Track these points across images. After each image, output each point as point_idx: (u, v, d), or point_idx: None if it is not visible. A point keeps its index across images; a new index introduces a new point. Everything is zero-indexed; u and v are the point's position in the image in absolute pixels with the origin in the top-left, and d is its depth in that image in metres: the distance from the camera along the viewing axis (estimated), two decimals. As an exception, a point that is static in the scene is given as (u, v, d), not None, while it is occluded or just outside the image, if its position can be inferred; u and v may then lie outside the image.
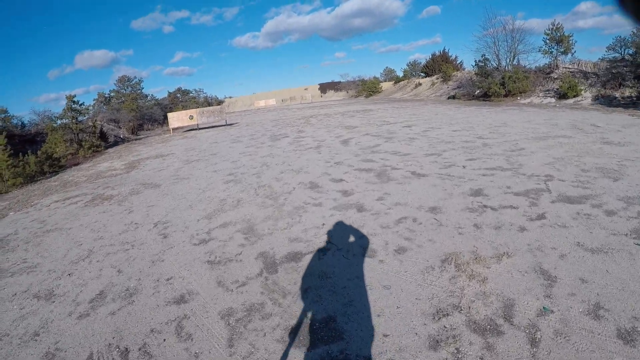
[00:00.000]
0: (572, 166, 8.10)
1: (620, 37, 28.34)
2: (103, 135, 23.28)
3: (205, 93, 67.04)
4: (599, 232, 5.01)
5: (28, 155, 14.36)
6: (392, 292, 4.21)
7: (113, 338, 3.94)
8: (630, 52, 25.78)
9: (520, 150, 10.08)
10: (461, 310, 3.75)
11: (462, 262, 4.67)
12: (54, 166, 15.55)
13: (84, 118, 23.10)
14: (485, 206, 6.39)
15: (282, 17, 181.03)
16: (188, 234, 6.68)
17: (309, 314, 3.95)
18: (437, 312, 3.77)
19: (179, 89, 61.68)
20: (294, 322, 3.86)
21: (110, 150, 21.56)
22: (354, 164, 10.53)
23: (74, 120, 21.45)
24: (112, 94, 48.17)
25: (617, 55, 28.43)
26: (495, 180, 7.67)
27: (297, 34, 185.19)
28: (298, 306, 4.14)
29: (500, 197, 6.75)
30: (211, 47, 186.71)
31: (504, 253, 4.76)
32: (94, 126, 22.25)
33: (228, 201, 8.33)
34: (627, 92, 20.99)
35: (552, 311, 3.55)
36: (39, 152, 14.91)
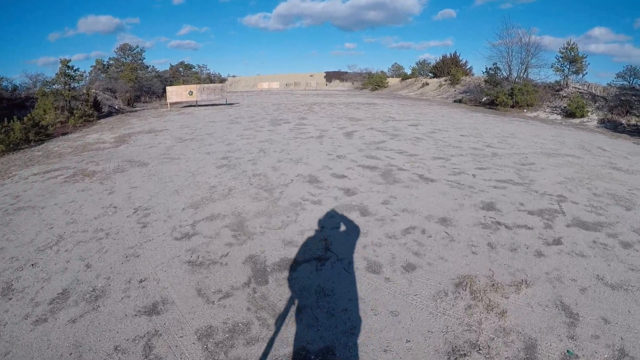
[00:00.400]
0: (583, 189, 7.76)
1: (630, 66, 28.73)
2: (97, 105, 22.04)
3: (208, 69, 65.48)
4: (617, 266, 4.73)
5: (13, 121, 13.29)
6: (401, 320, 3.63)
7: (70, 354, 3.27)
8: None
9: (531, 164, 9.64)
10: (480, 350, 3.27)
11: (478, 289, 4.15)
12: (40, 134, 14.33)
13: (78, 85, 21.77)
14: (499, 223, 5.94)
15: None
16: (170, 225, 5.95)
17: (303, 343, 3.33)
18: (453, 350, 3.25)
19: (181, 63, 60.06)
20: (284, 351, 3.25)
21: (102, 121, 20.40)
22: (357, 160, 9.86)
23: (66, 87, 20.21)
24: (111, 62, 46.35)
25: (625, 83, 28.44)
26: (507, 195, 7.23)
27: (310, 19, 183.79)
28: (290, 330, 3.51)
29: (513, 214, 6.32)
30: (220, 23, 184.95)
31: (522, 281, 4.31)
32: (88, 94, 20.98)
33: (218, 189, 7.62)
34: (634, 120, 20.69)
35: (577, 356, 3.23)
36: (24, 119, 13.76)
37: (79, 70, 20.87)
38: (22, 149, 12.80)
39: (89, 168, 9.59)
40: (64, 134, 16.23)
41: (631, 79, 29.35)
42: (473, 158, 10.24)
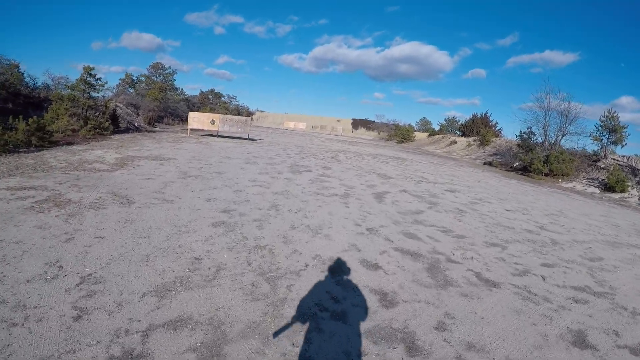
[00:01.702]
0: None
1: None
2: (115, 119, 20.28)
3: (237, 101, 64.69)
4: None
5: (19, 121, 11.54)
6: None
7: None
8: None
9: (600, 260, 7.88)
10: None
11: None
12: (44, 140, 12.51)
13: (98, 94, 20.16)
14: None
15: (332, 45, 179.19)
16: (113, 325, 3.68)
17: None
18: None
19: (211, 91, 59.16)
20: None
21: (116, 136, 18.47)
22: (393, 238, 7.54)
23: (85, 94, 18.46)
24: (141, 78, 44.90)
25: None
26: (594, 316, 5.23)
27: (343, 65, 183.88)
28: None
29: (614, 354, 4.29)
30: (256, 58, 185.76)
31: None
32: (106, 106, 19.26)
33: (203, 265, 5.24)
34: None
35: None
36: (30, 120, 11.99)
37: (101, 80, 19.23)
38: (19, 152, 11.06)
39: (66, 195, 7.58)
40: (69, 143, 14.37)
41: None
42: (532, 247, 8.23)
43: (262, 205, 8.74)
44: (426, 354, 3.86)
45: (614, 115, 27.29)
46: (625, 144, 27.25)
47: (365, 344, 3.90)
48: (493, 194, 15.19)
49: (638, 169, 23.94)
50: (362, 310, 4.52)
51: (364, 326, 4.21)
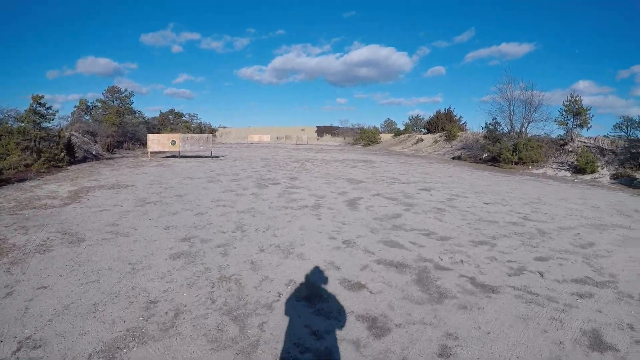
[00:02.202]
0: None
1: (627, 117, 28.94)
2: (70, 149, 19.23)
3: (199, 119, 63.25)
4: None
5: None
6: None
7: None
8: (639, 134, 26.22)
9: (592, 246, 7.59)
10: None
11: None
12: None
13: (50, 124, 19.05)
14: None
15: (291, 55, 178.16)
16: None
17: None
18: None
19: (171, 111, 57.74)
20: None
21: (73, 167, 17.42)
22: (373, 249, 6.91)
23: (36, 125, 17.45)
24: (97, 104, 43.46)
25: (623, 134, 28.48)
26: (603, 310, 4.83)
27: (303, 74, 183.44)
28: None
29: (635, 351, 3.89)
30: (216, 74, 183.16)
31: None
32: (60, 136, 18.22)
33: (160, 309, 4.45)
34: None
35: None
36: None
37: (51, 109, 18.20)
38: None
39: (11, 239, 6.76)
40: (21, 180, 13.35)
41: (629, 130, 28.87)
42: (520, 240, 7.81)
43: (226, 227, 8.00)
44: (434, 393, 3.24)
45: (577, 99, 27.61)
46: (590, 126, 27.69)
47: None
48: (468, 188, 14.83)
49: (606, 149, 24.26)
50: (350, 345, 3.85)
51: (356, 367, 3.55)
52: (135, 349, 3.64)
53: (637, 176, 19.99)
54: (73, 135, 23.46)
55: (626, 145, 23.76)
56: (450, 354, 3.75)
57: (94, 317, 4.17)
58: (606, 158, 23.27)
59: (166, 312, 4.35)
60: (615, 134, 29.02)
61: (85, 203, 9.74)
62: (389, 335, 4.04)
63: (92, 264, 5.70)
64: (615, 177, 20.74)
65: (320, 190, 13.04)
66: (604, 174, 21.54)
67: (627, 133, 29.18)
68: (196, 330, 4.02)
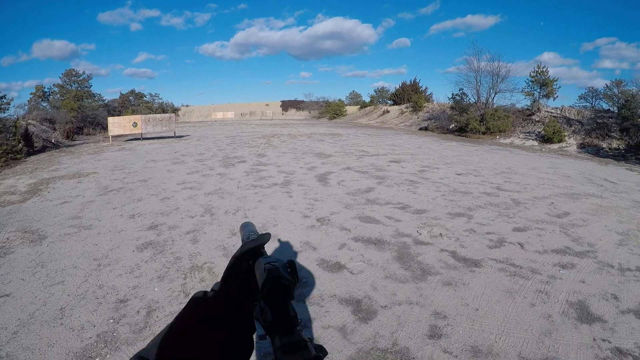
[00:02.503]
0: None
1: (592, 87, 29.62)
2: (28, 139, 18.39)
3: (161, 99, 61.24)
4: None
5: None
6: None
7: None
8: (604, 104, 26.90)
9: (567, 216, 7.64)
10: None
11: None
12: None
13: (5, 114, 18.05)
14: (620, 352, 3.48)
15: (253, 29, 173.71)
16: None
17: None
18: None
19: (132, 91, 55.65)
20: None
21: (32, 158, 16.55)
22: (349, 226, 6.75)
23: None
24: (54, 89, 41.34)
25: (588, 104, 29.81)
26: (586, 280, 4.89)
27: (266, 48, 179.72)
28: None
29: (624, 328, 3.85)
30: (177, 52, 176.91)
31: None
32: (16, 127, 17.33)
33: (130, 307, 4.17)
34: (615, 144, 20.28)
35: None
36: None
37: (5, 98, 17.18)
38: None
39: None
40: None
41: (593, 100, 29.46)
42: (497, 211, 7.78)
43: (194, 211, 7.69)
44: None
45: (544, 70, 28.03)
46: (557, 97, 28.23)
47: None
48: (438, 159, 14.79)
49: (572, 119, 24.55)
50: (337, 332, 3.69)
51: (343, 356, 3.38)
52: (108, 357, 3.38)
53: (603, 146, 20.36)
54: (30, 124, 22.36)
55: (592, 115, 24.09)
56: (441, 334, 3.64)
57: (62, 324, 3.86)
58: (573, 128, 23.56)
59: (138, 311, 4.08)
60: (581, 104, 29.83)
61: (45, 196, 9.17)
62: (375, 318, 3.91)
63: (55, 264, 5.33)
64: (582, 146, 21.05)
65: (289, 166, 12.77)
66: (571, 143, 21.83)
67: (592, 104, 29.86)
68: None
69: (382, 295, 4.37)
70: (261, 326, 0.72)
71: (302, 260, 5.34)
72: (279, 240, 6.06)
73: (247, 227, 1.18)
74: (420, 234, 6.33)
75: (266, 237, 0.86)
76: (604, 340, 3.63)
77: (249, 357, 0.78)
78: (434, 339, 3.58)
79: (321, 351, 0.64)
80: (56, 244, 6.07)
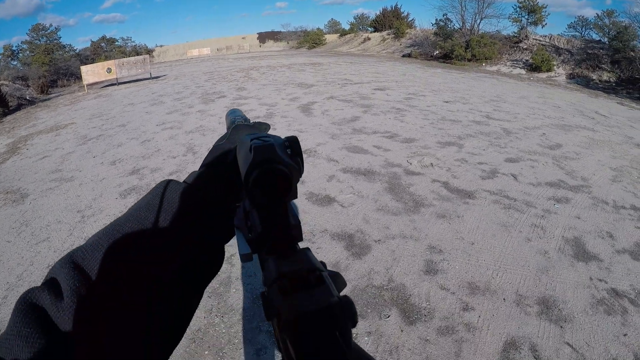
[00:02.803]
0: None
1: (582, 16, 28.92)
2: (2, 100, 17.57)
3: (133, 42, 59.30)
4: None
5: None
6: None
7: None
8: (594, 35, 26.27)
9: (560, 148, 7.53)
10: None
11: None
12: None
13: None
14: (615, 292, 3.46)
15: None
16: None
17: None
18: None
19: (103, 38, 53.74)
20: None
21: (9, 118, 15.70)
22: (336, 157, 6.57)
23: None
24: (23, 46, 39.79)
25: (577, 34, 28.98)
26: (582, 217, 4.81)
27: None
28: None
29: (620, 268, 3.80)
30: None
31: None
32: None
33: None
34: (605, 76, 19.89)
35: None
36: None
37: None
38: None
39: None
40: None
41: (582, 29, 29.68)
42: (488, 140, 7.67)
43: (175, 151, 7.46)
44: (427, 314, 3.05)
45: (533, -6, 27.13)
46: (546, 24, 27.55)
47: (347, 320, 3.00)
48: (424, 86, 14.50)
49: (562, 49, 24.17)
50: (329, 263, 3.57)
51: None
52: None
53: (593, 77, 20.07)
54: (2, 84, 21.33)
55: (582, 45, 23.69)
56: (437, 269, 3.55)
57: None
58: (562, 57, 23.17)
59: None
60: (570, 33, 29.23)
61: (24, 154, 8.77)
62: (369, 254, 3.80)
63: (39, 221, 5.17)
64: (571, 76, 20.78)
65: (270, 98, 12.37)
66: (560, 73, 21.55)
67: (581, 33, 29.44)
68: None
69: (375, 228, 4.28)
70: (244, 240, 0.52)
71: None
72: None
73: (234, 113, 0.91)
74: (411, 163, 6.19)
75: (264, 125, 0.73)
76: (600, 280, 3.60)
77: (216, 272, 0.63)
78: (430, 274, 3.50)
79: (338, 282, 0.42)
80: (39, 200, 5.90)
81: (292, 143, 0.54)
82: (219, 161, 0.66)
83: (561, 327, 3.01)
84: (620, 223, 4.68)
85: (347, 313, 0.36)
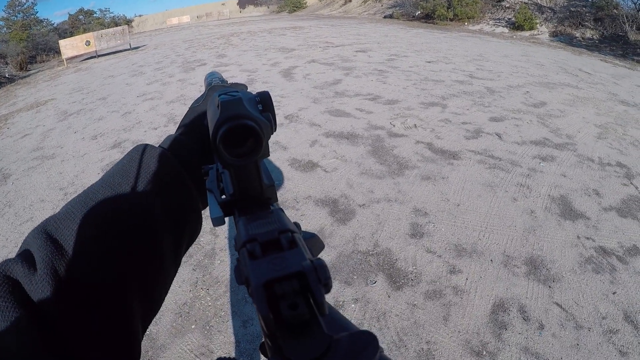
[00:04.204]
0: (630, 146, 5.80)
1: None
2: None
3: (112, 13, 58.17)
4: None
5: None
6: None
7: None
8: None
9: (544, 106, 7.43)
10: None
11: None
12: None
13: None
14: (603, 250, 3.46)
15: None
16: None
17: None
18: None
19: (81, 10, 52.43)
20: None
21: None
22: (319, 121, 6.45)
23: None
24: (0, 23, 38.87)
25: None
26: (568, 174, 4.80)
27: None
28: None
29: (607, 225, 3.81)
30: None
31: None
32: None
33: None
34: (588, 34, 19.74)
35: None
36: None
37: None
38: None
39: None
40: None
41: None
42: (471, 100, 7.56)
43: (157, 122, 7.30)
44: (414, 278, 3.01)
45: (513, -52, 26.72)
46: None
47: (336, 289, 2.96)
48: (406, 47, 14.32)
49: (544, 7, 24.00)
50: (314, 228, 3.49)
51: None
52: None
53: (576, 35, 19.93)
54: None
55: (565, 3, 23.44)
56: (423, 232, 3.50)
57: None
58: (545, 15, 22.99)
59: None
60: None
61: (5, 133, 8.53)
62: (354, 219, 3.74)
63: (22, 200, 5.07)
64: (554, 34, 20.64)
65: (251, 64, 12.13)
66: (543, 31, 21.41)
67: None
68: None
69: (359, 193, 4.20)
70: (217, 203, 0.50)
71: (273, 160, 5.11)
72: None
73: (212, 75, 0.88)
74: (394, 125, 6.09)
75: (241, 86, 0.72)
76: (587, 238, 3.59)
77: (194, 240, 0.65)
78: (415, 238, 3.45)
79: (316, 245, 0.43)
80: (21, 180, 5.78)
81: (264, 98, 0.52)
82: (195, 124, 0.65)
83: (549, 287, 2.99)
84: (606, 180, 4.68)
85: (320, 277, 0.33)
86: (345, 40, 16.24)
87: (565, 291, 2.95)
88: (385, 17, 31.64)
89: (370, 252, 3.27)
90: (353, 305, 2.81)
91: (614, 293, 2.96)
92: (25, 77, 19.81)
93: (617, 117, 7.15)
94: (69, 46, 21.46)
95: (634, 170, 5.03)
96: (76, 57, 22.50)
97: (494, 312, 2.76)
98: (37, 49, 29.94)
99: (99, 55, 21.83)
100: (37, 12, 40.67)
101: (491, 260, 3.20)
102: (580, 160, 5.18)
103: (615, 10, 19.51)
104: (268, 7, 68.93)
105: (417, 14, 28.43)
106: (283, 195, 4.24)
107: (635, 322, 2.74)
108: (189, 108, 0.68)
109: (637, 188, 4.59)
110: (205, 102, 0.66)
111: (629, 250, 3.43)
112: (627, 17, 17.95)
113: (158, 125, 7.10)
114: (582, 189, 4.44)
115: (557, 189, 4.38)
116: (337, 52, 13.19)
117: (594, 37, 19.27)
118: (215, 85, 0.73)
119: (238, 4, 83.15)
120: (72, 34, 35.09)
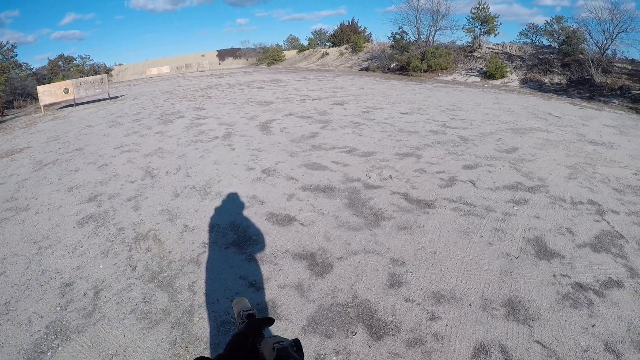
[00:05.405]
0: (599, 183, 6.12)
1: (532, 24, 30.54)
2: None
3: (92, 60, 58.13)
4: None
5: None
6: None
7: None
8: (544, 40, 28.05)
9: (515, 150, 7.75)
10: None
11: None
12: None
13: None
14: (580, 286, 3.56)
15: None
16: None
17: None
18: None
19: (61, 56, 52.51)
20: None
21: None
22: (296, 175, 6.51)
23: None
24: None
25: (529, 40, 30.54)
26: (541, 216, 4.90)
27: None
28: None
29: (582, 263, 3.92)
30: (106, 9, 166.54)
31: None
32: None
33: (76, 290, 3.78)
34: (556, 79, 20.64)
35: None
36: None
37: None
38: None
39: None
40: None
41: (534, 36, 30.84)
42: (445, 149, 7.76)
43: (134, 175, 7.24)
44: (394, 327, 3.04)
45: (485, 6, 27.99)
46: (498, 33, 28.76)
47: (316, 342, 2.94)
48: (382, 99, 14.60)
49: (514, 55, 25.05)
50: (294, 291, 3.52)
51: (303, 316, 3.21)
52: (60, 349, 3.10)
53: (545, 81, 20.74)
54: None
55: (533, 51, 24.58)
56: (401, 282, 3.54)
57: (8, 319, 3.51)
58: (514, 63, 23.95)
59: (85, 294, 3.77)
60: (522, 40, 30.47)
61: None
62: (332, 271, 3.77)
63: None
64: (524, 81, 21.41)
65: (229, 117, 12.23)
66: (513, 78, 22.19)
67: (532, 40, 30.51)
68: (121, 308, 3.51)
69: (337, 245, 4.24)
70: None
71: (250, 215, 5.11)
72: (224, 196, 5.79)
73: (241, 304, 1.25)
74: (370, 177, 6.19)
75: (271, 321, 0.97)
76: (563, 275, 3.67)
77: None
78: (394, 287, 3.48)
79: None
80: None
81: (297, 344, 0.90)
82: (239, 350, 0.88)
83: (529, 326, 3.04)
84: (578, 218, 4.82)
85: None
86: (322, 94, 16.52)
87: (545, 329, 2.99)
88: (361, 69, 32.39)
89: (350, 304, 3.29)
90: (335, 358, 2.80)
91: (593, 326, 3.01)
92: (1, 122, 19.61)
93: (586, 156, 7.45)
94: (47, 92, 21.19)
95: (605, 207, 5.20)
96: (54, 104, 22.26)
97: (476, 355, 2.79)
98: (14, 93, 29.34)
99: (77, 104, 21.69)
100: (16, 55, 40.33)
101: (470, 305, 3.24)
102: (553, 201, 5.32)
103: (581, 55, 20.43)
104: (247, 60, 69.94)
105: (392, 66, 29.23)
106: (261, 250, 4.24)
107: (616, 351, 2.79)
108: (235, 334, 0.90)
109: (609, 223, 4.73)
110: (245, 337, 0.89)
111: (604, 284, 3.51)
112: (592, 61, 18.73)
113: (135, 179, 7.05)
114: (556, 228, 4.55)
115: (531, 231, 4.46)
116: (314, 105, 13.42)
117: (562, 81, 20.00)
118: (268, 338, 0.93)
119: (217, 56, 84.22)
120: (51, 80, 34.93)
